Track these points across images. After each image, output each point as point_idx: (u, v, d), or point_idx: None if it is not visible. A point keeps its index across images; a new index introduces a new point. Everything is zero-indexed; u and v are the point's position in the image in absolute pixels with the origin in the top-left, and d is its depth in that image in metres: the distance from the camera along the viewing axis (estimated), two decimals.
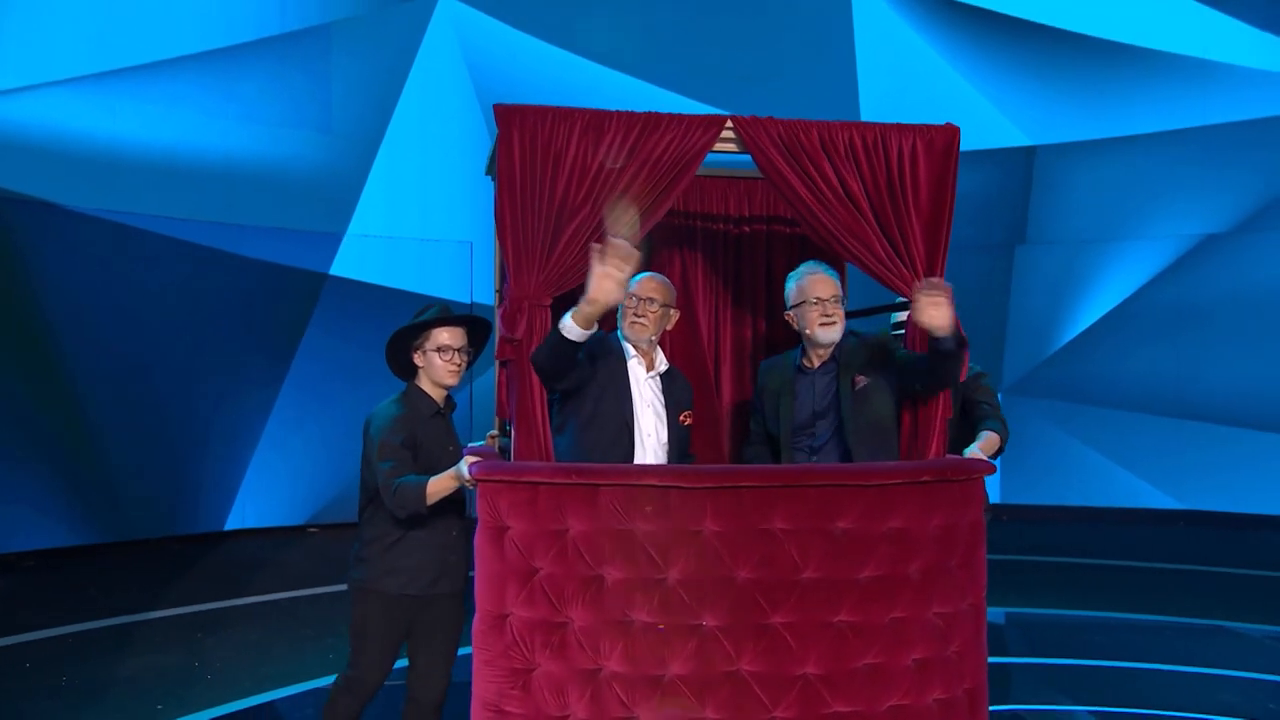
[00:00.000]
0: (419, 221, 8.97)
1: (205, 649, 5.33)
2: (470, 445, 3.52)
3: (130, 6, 7.14)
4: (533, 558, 2.89)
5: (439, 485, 3.12)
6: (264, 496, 8.48)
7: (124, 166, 7.29)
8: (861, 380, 3.35)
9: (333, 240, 8.68)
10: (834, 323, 3.37)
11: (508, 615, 2.92)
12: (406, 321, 3.35)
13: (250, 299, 8.13)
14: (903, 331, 3.69)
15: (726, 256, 4.16)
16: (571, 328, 2.95)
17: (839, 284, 3.40)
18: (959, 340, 3.08)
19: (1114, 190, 10.37)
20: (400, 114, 8.83)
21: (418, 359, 3.37)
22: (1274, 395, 9.72)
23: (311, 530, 8.64)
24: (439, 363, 3.32)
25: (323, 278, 8.59)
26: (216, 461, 8.23)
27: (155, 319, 7.54)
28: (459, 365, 3.34)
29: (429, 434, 3.35)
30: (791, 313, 3.43)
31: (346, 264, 8.70)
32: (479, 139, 8.37)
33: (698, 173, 4.02)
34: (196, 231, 7.55)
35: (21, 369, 7.11)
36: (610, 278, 2.88)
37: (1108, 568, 8.30)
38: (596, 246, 2.88)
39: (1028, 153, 10.43)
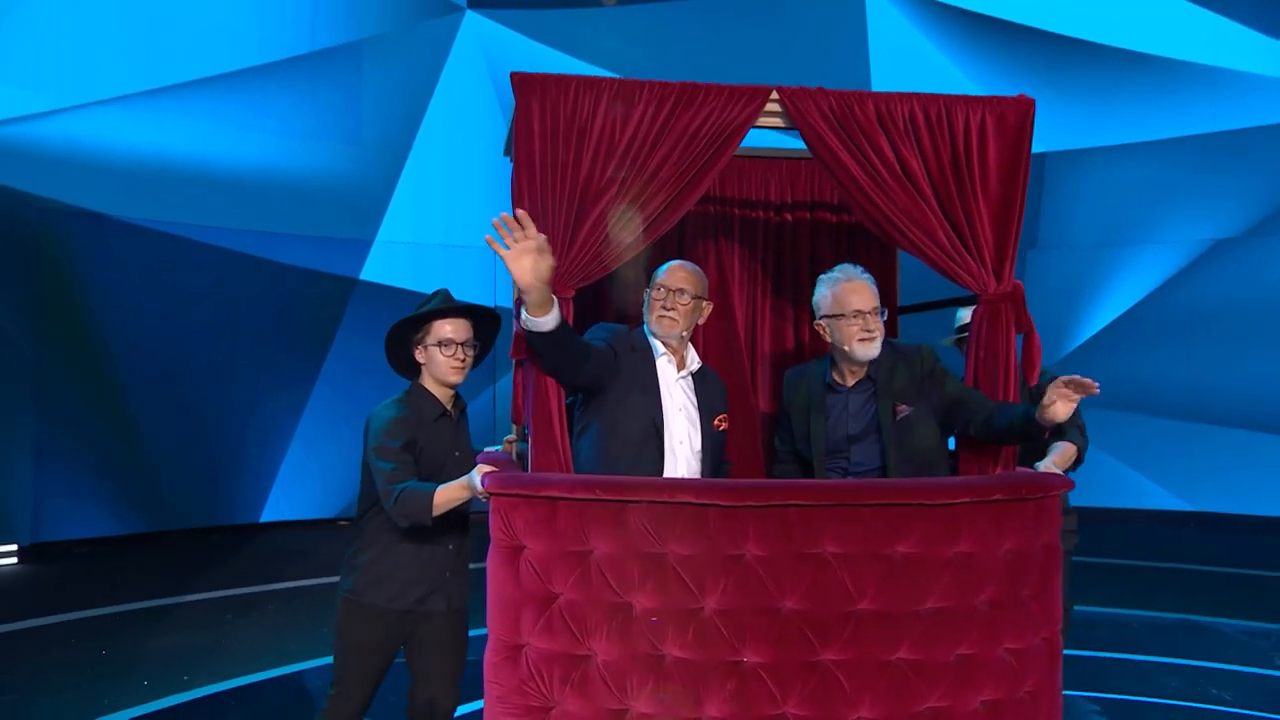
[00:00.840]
0: (445, 228, 9.11)
1: (234, 628, 5.66)
2: (485, 450, 3.10)
3: (172, 28, 7.46)
4: (551, 582, 2.47)
5: (448, 495, 2.72)
6: (297, 490, 8.62)
7: (166, 179, 7.59)
8: (904, 409, 2.88)
9: (363, 247, 8.86)
10: (875, 338, 2.88)
11: (523, 646, 2.49)
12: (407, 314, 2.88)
13: (284, 303, 8.34)
14: (965, 335, 3.12)
15: (767, 247, 3.68)
16: (534, 322, 2.53)
17: (877, 291, 2.93)
18: (1056, 428, 2.68)
19: (1124, 195, 9.99)
20: (427, 125, 9.00)
21: (419, 355, 2.98)
22: None
23: (342, 523, 8.57)
24: (441, 359, 2.92)
25: (353, 282, 8.76)
26: (253, 457, 8.44)
27: (195, 322, 7.83)
28: (463, 361, 2.95)
29: (433, 438, 2.96)
30: (824, 323, 2.96)
31: (376, 269, 8.87)
32: (502, 149, 8.09)
33: (736, 154, 3.49)
34: (234, 239, 7.82)
35: (71, 370, 7.44)
36: (525, 252, 2.44)
37: (1114, 566, 7.92)
38: (487, 238, 2.48)
39: (1039, 159, 10.00)
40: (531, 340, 2.55)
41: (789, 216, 3.64)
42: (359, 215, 8.69)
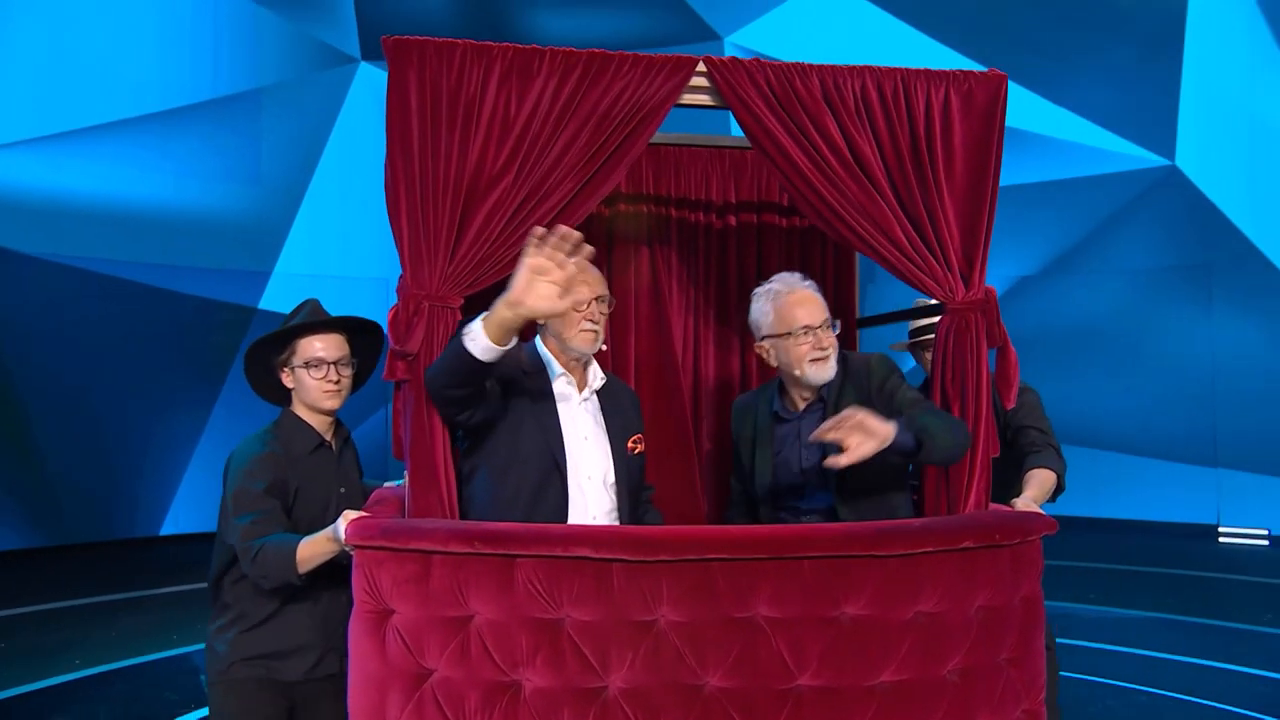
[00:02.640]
0: (340, 261, 9.59)
1: (124, 624, 6.07)
2: (385, 486, 2.64)
3: (80, 75, 7.75)
4: (424, 655, 1.97)
5: (312, 549, 2.20)
6: (196, 505, 8.82)
7: (72, 216, 7.94)
8: None
9: (261, 278, 9.29)
10: (828, 356, 2.42)
11: None
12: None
13: (185, 330, 8.75)
14: (930, 337, 2.62)
15: (708, 252, 3.18)
16: (481, 341, 1.99)
17: (824, 300, 2.46)
18: (914, 434, 2.18)
19: None
20: (323, 166, 9.50)
21: (286, 379, 2.48)
22: (1080, 415, 9.25)
23: None
24: (311, 382, 2.43)
25: (253, 311, 9.16)
26: (153, 474, 8.79)
27: (97, 349, 8.11)
28: (338, 383, 2.45)
29: (310, 475, 2.45)
30: (766, 344, 2.48)
31: (273, 299, 9.25)
32: None
33: (673, 144, 3.02)
34: (136, 271, 8.20)
35: None
36: (551, 279, 1.92)
37: None
38: (539, 231, 1.93)
39: None
40: (453, 357, 2.02)
41: (733, 218, 3.16)
42: (258, 249, 9.14)
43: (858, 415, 2.11)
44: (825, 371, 2.41)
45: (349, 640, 2.02)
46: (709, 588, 1.90)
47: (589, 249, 1.94)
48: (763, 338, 2.47)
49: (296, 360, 2.42)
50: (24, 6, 7.42)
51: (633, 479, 2.43)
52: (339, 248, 9.51)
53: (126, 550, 8.45)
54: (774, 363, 2.48)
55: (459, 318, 2.18)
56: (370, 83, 9.43)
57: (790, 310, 2.40)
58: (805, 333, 2.38)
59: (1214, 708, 4.51)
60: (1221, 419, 9.62)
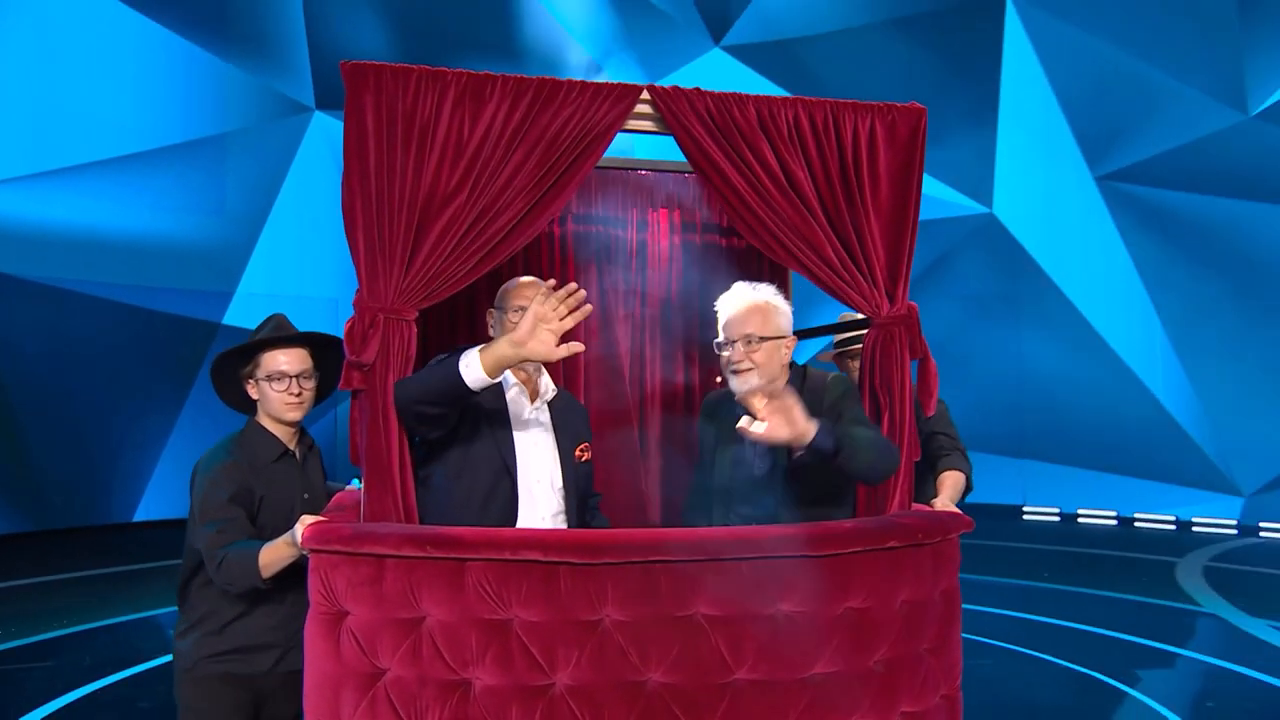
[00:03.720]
0: (297, 282, 10.24)
1: (103, 593, 6.75)
2: (348, 487, 2.66)
3: (66, 120, 8.47)
4: (377, 656, 1.98)
5: (273, 554, 2.22)
6: (166, 495, 9.60)
7: (59, 244, 8.69)
8: (799, 451, 2.32)
9: (225, 297, 10.02)
10: (744, 370, 2.38)
11: None
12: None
13: (158, 343, 9.45)
14: (856, 347, 2.71)
15: (654, 269, 3.22)
16: (476, 372, 2.10)
17: (772, 309, 2.43)
18: (835, 439, 2.19)
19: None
20: (281, 200, 10.18)
21: (251, 390, 2.47)
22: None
23: None
24: (273, 394, 2.43)
25: (216, 326, 9.85)
26: (129, 467, 9.45)
27: (78, 359, 8.75)
28: (299, 396, 2.45)
29: (274, 482, 2.44)
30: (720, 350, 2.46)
31: (236, 316, 9.97)
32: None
33: (619, 167, 3.08)
34: (113, 291, 8.95)
35: None
36: (553, 330, 2.10)
37: None
38: (550, 283, 2.13)
39: None
40: (442, 380, 2.12)
41: (677, 238, 3.20)
42: (222, 272, 9.94)
43: (788, 401, 2.11)
44: (742, 384, 2.37)
45: (304, 641, 2.02)
46: (652, 589, 1.91)
47: (588, 308, 2.08)
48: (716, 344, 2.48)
49: (260, 373, 2.41)
50: (18, 61, 8.14)
51: (580, 484, 2.46)
52: (294, 271, 10.31)
53: (103, 534, 9.13)
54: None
55: (414, 330, 2.21)
56: (323, 129, 10.26)
57: (725, 323, 2.44)
58: (728, 343, 2.40)
59: (1008, 649, 5.46)
60: (1027, 419, 11.10)
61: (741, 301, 2.43)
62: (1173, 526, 9.97)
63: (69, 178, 8.56)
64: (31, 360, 8.51)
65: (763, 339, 2.37)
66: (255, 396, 2.43)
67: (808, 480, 2.32)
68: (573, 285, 2.06)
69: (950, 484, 2.85)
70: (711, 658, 1.93)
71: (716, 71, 10.96)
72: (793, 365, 2.49)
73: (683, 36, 10.92)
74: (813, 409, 2.36)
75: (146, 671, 4.83)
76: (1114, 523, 10.48)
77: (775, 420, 2.11)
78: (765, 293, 2.44)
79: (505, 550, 1.92)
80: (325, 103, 10.23)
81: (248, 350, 2.41)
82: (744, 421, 2.14)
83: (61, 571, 7.30)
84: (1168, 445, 10.02)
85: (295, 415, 2.43)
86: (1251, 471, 9.72)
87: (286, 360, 2.40)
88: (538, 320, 2.04)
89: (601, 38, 10.95)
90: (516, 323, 2.38)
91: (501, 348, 2.06)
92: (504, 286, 2.48)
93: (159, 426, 9.54)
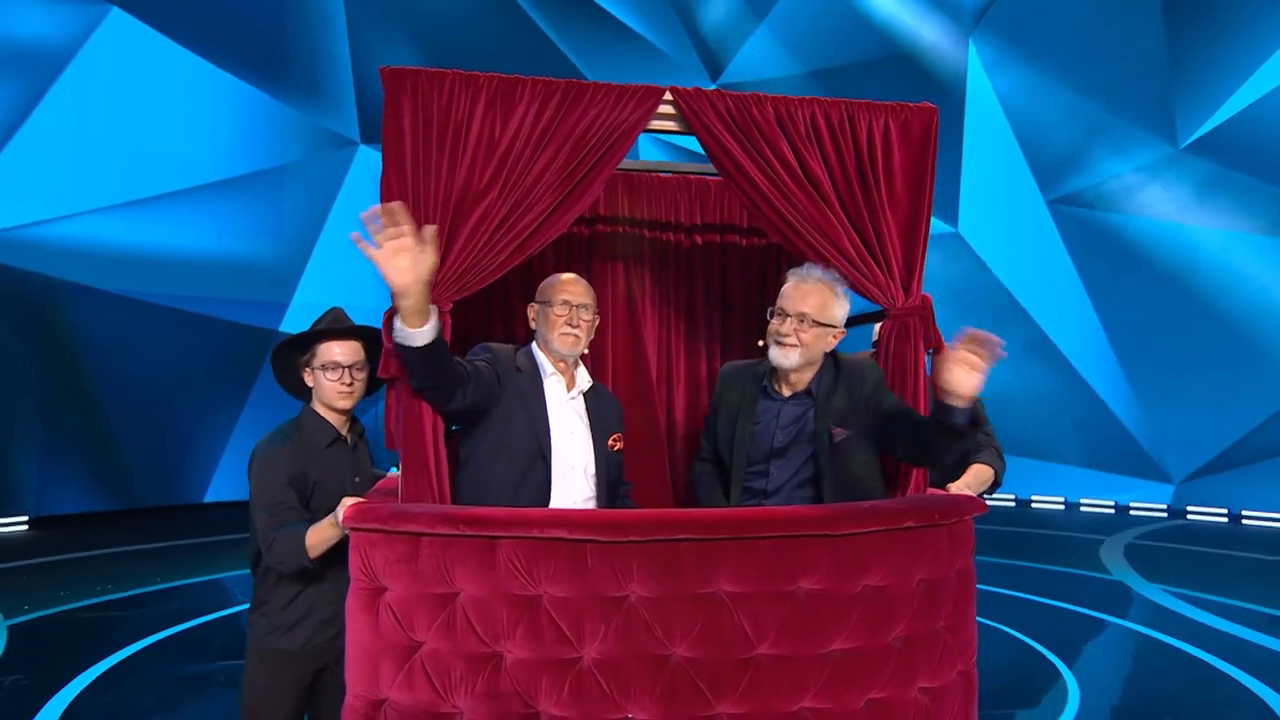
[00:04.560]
0: (343, 294, 10.21)
1: (179, 559, 7.00)
2: (393, 473, 2.46)
3: (144, 157, 8.75)
4: (413, 629, 1.83)
5: (319, 535, 2.09)
6: (231, 479, 9.75)
7: (141, 262, 8.95)
8: (840, 433, 2.20)
9: (281, 307, 10.11)
10: (786, 346, 2.18)
11: (383, 702, 1.84)
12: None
13: (223, 346, 9.64)
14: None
15: (678, 269, 3.02)
16: (406, 333, 1.88)
17: (833, 297, 2.20)
18: (975, 416, 1.96)
19: None
20: (330, 222, 10.32)
21: (307, 378, 2.35)
22: None
23: None
24: (327, 383, 2.29)
25: (274, 332, 9.95)
26: (199, 455, 9.69)
27: (158, 360, 9.07)
28: (351, 386, 2.31)
29: (328, 467, 2.30)
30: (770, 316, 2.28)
31: (291, 323, 10.06)
32: None
33: (646, 170, 2.86)
34: (186, 302, 9.23)
35: (66, 393, 8.66)
36: (401, 250, 1.78)
37: None
38: (353, 235, 1.82)
39: None
40: (404, 357, 1.92)
41: (699, 238, 3.02)
42: (279, 285, 10.13)
43: (983, 360, 1.85)
44: (779, 357, 2.18)
45: (346, 615, 1.89)
46: (675, 566, 1.79)
47: (400, 206, 1.80)
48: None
49: (317, 362, 2.30)
50: (109, 106, 8.37)
51: (611, 473, 2.33)
52: (342, 284, 10.91)
53: (178, 512, 9.48)
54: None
55: (448, 321, 2.02)
56: (367, 160, 10.52)
57: (786, 291, 2.21)
58: (779, 315, 2.19)
59: None
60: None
61: (809, 280, 2.20)
62: (1112, 510, 10.22)
63: (150, 206, 8.92)
64: (119, 363, 8.89)
65: (816, 323, 2.18)
66: (311, 384, 2.35)
67: (845, 460, 2.15)
68: (376, 206, 1.80)
69: (974, 473, 2.66)
70: (734, 633, 1.80)
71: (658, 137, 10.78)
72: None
73: (680, 75, 10.76)
74: (853, 396, 2.23)
75: (217, 619, 5.30)
76: (1061, 507, 10.31)
77: (960, 371, 1.88)
78: (834, 281, 2.21)
79: (534, 529, 1.79)
80: (369, 137, 10.52)
81: (306, 340, 2.32)
82: (977, 332, 1.86)
83: (145, 542, 7.77)
84: (1109, 439, 10.41)
85: (347, 404, 2.33)
86: (1181, 462, 10.00)
87: (341, 351, 2.29)
88: (383, 261, 1.77)
89: (605, 76, 10.81)
90: (562, 315, 2.20)
91: (400, 303, 1.84)
92: (545, 281, 2.35)
93: (225, 419, 9.80)
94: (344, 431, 2.35)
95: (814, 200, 2.13)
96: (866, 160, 2.16)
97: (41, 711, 3.61)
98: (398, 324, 1.86)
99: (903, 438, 2.09)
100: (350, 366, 2.28)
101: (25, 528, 8.32)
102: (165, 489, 9.56)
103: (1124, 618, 5.47)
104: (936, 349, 2.16)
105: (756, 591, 1.78)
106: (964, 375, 1.86)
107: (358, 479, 2.34)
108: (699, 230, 3.00)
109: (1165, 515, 9.80)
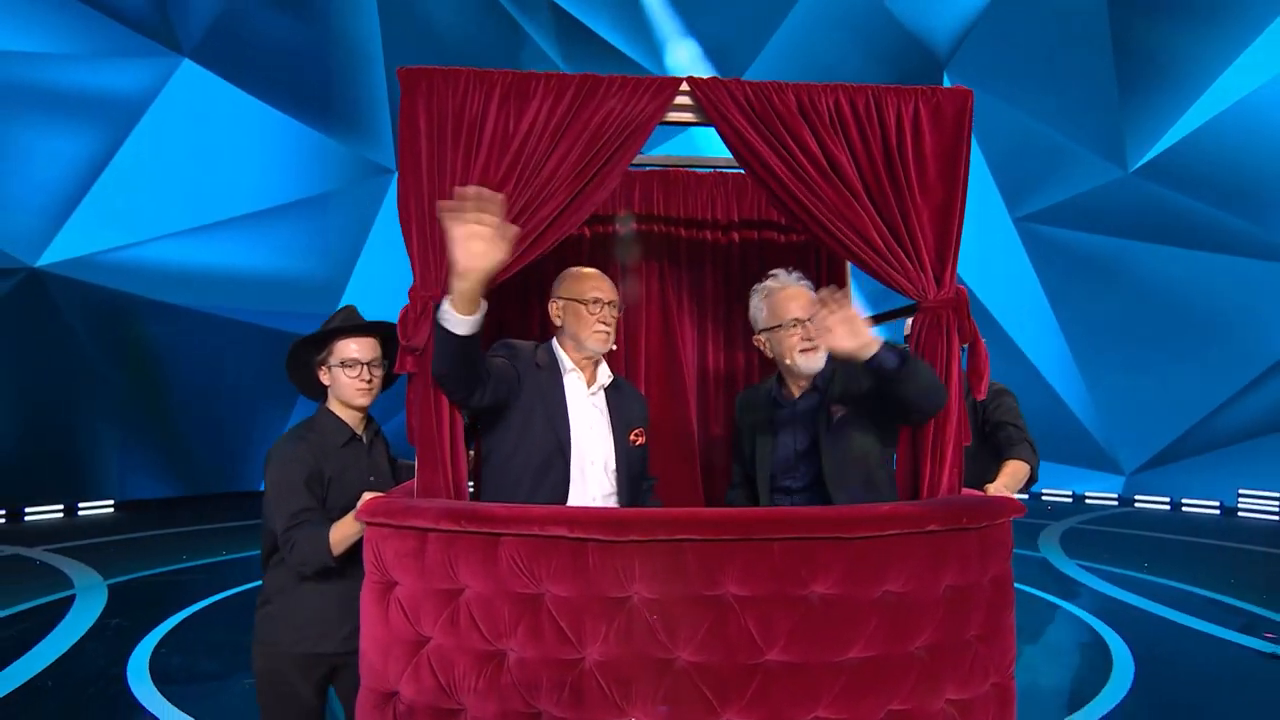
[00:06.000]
0: (381, 307, 10.07)
1: (239, 538, 7.07)
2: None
3: (212, 187, 8.90)
4: (420, 624, 1.59)
5: (341, 532, 1.87)
6: None
7: (208, 279, 9.14)
8: (839, 410, 1.97)
9: (326, 318, 9.82)
10: (817, 347, 1.97)
11: (394, 694, 1.61)
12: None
13: (276, 353, 9.31)
14: None
15: (715, 266, 2.70)
16: (452, 317, 1.63)
17: (816, 296, 2.00)
18: (899, 356, 1.72)
19: None
20: (369, 243, 10.33)
21: (323, 376, 2.12)
22: None
23: None
24: (344, 380, 2.06)
25: None
26: (256, 447, 9.76)
27: (220, 364, 9.25)
28: (369, 383, 2.07)
29: (344, 465, 2.07)
30: (762, 337, 2.09)
31: None
32: None
33: (681, 166, 2.57)
34: (243, 314, 9.33)
35: (146, 395, 8.94)
36: (478, 236, 1.54)
37: None
38: (443, 204, 1.58)
39: None
40: (440, 341, 1.69)
41: (736, 235, 2.69)
42: (324, 299, 10.17)
43: (852, 312, 1.69)
44: (814, 361, 1.99)
45: (360, 607, 1.70)
46: (680, 566, 1.54)
47: (496, 195, 1.60)
48: (759, 331, 2.10)
49: (333, 359, 2.09)
50: (179, 143, 8.57)
51: (633, 468, 2.07)
52: (380, 298, 10.77)
53: (239, 498, 9.57)
54: (770, 354, 2.09)
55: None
56: None
57: (783, 304, 2.02)
58: (795, 325, 1.99)
59: None
60: None
61: (796, 286, 2.05)
62: (1069, 499, 10.16)
63: (213, 231, 9.19)
64: (186, 367, 9.22)
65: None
66: (327, 382, 2.15)
67: (845, 437, 1.90)
68: (470, 190, 1.59)
69: (1010, 471, 2.31)
70: (741, 638, 1.53)
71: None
72: None
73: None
74: (852, 379, 1.96)
75: None
76: (1025, 496, 9.95)
77: (841, 330, 1.69)
78: (805, 280, 2.07)
79: (535, 526, 1.61)
80: None
81: (322, 338, 2.12)
82: (824, 293, 1.72)
83: (210, 523, 8.07)
84: (1067, 433, 10.35)
85: (364, 400, 2.12)
86: (1131, 455, 9.98)
87: (358, 348, 2.09)
88: (462, 240, 1.55)
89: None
90: (595, 313, 1.97)
91: (455, 284, 1.62)
92: (567, 277, 2.06)
93: (277, 416, 9.85)
94: (359, 430, 2.13)
95: (839, 190, 1.80)
96: (895, 147, 1.83)
97: (138, 645, 4.18)
98: (445, 306, 1.64)
99: (885, 403, 1.80)
100: (368, 363, 2.06)
101: (111, 509, 8.80)
102: (227, 477, 9.87)
103: (1033, 585, 5.62)
104: (972, 343, 1.83)
105: (766, 595, 1.53)
106: (842, 331, 1.66)
107: (373, 478, 2.12)
108: (736, 227, 2.66)
109: (1116, 503, 9.90)
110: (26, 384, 8.05)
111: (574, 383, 1.98)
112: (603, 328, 1.95)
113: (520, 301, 2.54)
